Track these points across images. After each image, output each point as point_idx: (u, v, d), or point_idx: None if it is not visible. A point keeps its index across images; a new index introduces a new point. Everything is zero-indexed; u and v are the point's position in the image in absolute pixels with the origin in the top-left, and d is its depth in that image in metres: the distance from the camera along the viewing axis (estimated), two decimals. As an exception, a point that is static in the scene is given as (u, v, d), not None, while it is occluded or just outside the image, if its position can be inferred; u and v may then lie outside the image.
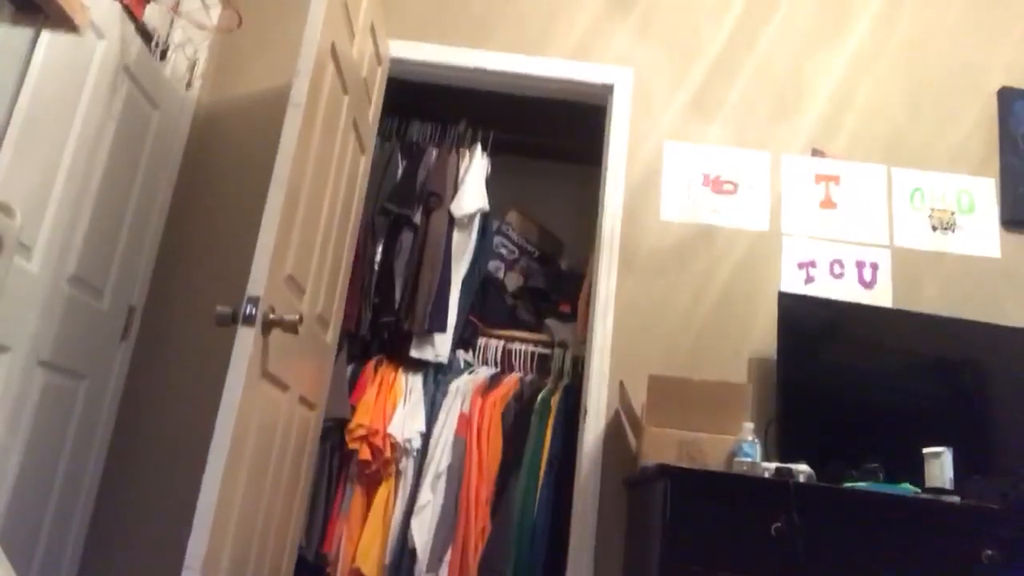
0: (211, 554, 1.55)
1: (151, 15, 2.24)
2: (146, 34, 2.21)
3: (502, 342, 3.16)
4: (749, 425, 2.09)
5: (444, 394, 2.90)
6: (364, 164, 2.58)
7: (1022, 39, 2.86)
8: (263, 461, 1.87)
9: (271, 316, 1.70)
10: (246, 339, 1.62)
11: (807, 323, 2.43)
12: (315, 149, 1.94)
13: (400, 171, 3.15)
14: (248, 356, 1.61)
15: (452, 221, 3.04)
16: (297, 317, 1.75)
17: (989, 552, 1.77)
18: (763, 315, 2.56)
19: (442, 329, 2.94)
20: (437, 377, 2.97)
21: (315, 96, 1.88)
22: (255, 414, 1.73)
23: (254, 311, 1.63)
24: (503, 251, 3.45)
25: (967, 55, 2.84)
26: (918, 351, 2.44)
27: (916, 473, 2.05)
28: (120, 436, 2.34)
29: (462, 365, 3.07)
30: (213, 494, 1.55)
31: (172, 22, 2.35)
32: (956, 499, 1.91)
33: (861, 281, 2.62)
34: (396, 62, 2.74)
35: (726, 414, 2.14)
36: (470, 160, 3.15)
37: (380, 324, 2.96)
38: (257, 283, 1.66)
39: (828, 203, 2.70)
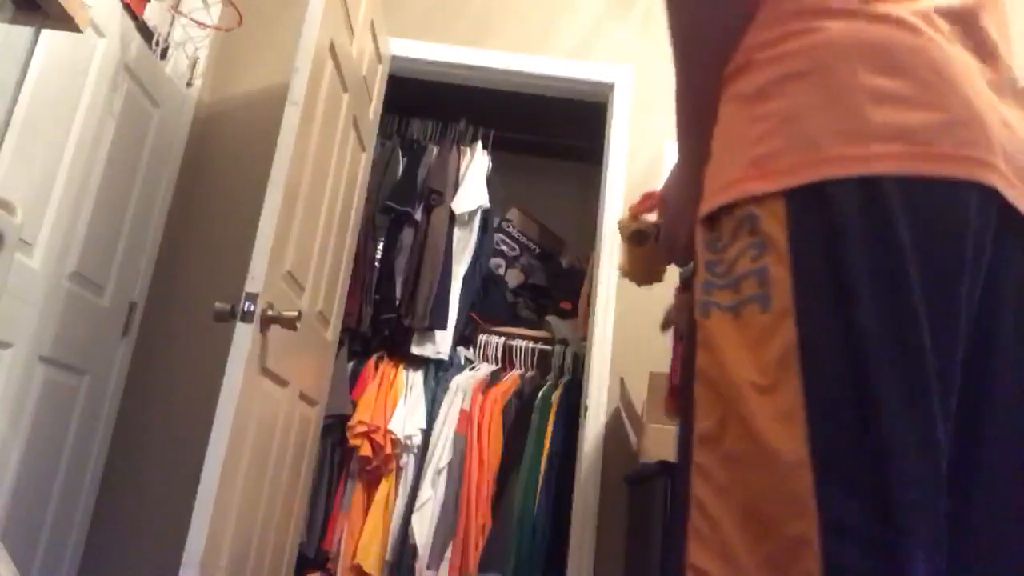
0: (209, 550, 1.56)
1: (151, 13, 2.24)
2: (147, 32, 2.21)
3: (503, 339, 3.16)
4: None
5: (445, 391, 2.91)
6: (365, 162, 2.58)
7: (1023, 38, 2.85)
8: (263, 457, 1.88)
9: (269, 312, 1.71)
10: (244, 335, 1.63)
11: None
12: (314, 146, 1.94)
13: (401, 169, 3.16)
14: (246, 352, 1.62)
15: (453, 218, 3.05)
16: (296, 313, 1.76)
17: None
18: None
19: (443, 326, 2.94)
20: (438, 374, 2.98)
21: (313, 94, 1.88)
22: (254, 410, 1.74)
23: (252, 307, 1.64)
24: (504, 248, 3.46)
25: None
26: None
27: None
28: (121, 432, 2.35)
29: (463, 362, 3.08)
30: (212, 490, 1.55)
31: (172, 20, 2.36)
32: None
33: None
34: (397, 60, 2.74)
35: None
36: (471, 158, 3.16)
37: (381, 321, 2.97)
38: (255, 279, 1.67)
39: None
